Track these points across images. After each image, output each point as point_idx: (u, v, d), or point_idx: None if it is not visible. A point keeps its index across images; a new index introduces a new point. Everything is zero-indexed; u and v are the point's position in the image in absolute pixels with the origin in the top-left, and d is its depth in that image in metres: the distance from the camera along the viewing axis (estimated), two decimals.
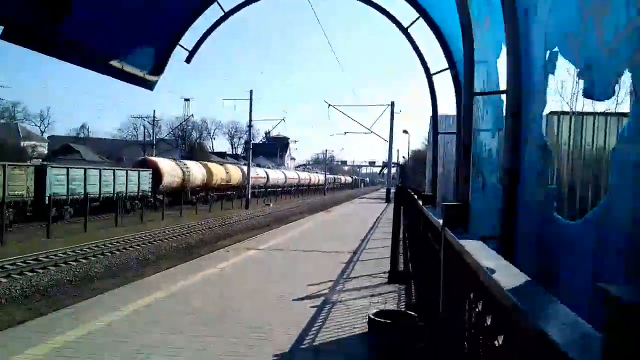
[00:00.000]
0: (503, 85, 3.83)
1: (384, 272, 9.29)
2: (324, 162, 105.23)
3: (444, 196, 8.90)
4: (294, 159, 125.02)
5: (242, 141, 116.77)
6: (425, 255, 4.51)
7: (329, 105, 42.55)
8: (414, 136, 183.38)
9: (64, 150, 64.22)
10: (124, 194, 29.85)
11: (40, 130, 79.94)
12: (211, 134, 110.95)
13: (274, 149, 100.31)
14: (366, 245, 14.04)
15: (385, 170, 58.37)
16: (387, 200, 41.61)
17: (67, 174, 25.66)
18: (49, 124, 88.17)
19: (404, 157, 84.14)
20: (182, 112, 62.85)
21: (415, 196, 7.33)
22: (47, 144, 69.51)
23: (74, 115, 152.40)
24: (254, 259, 11.55)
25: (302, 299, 7.57)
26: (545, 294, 1.24)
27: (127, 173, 31.04)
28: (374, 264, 10.60)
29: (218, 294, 7.82)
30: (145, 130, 60.94)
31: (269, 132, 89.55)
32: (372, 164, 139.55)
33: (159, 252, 19.22)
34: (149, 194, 32.91)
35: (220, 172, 46.89)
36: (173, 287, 8.16)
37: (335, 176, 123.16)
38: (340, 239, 15.42)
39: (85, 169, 27.60)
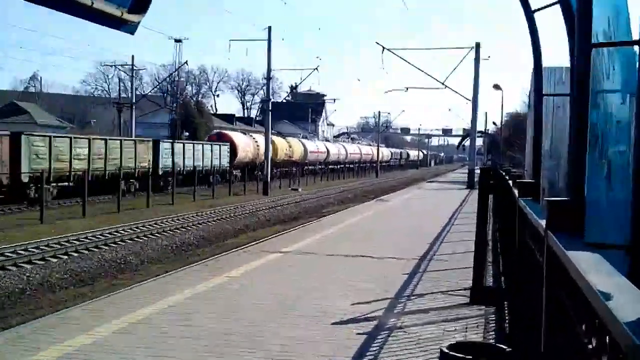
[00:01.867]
0: (636, 33, 3.79)
1: (464, 289, 9.45)
2: (376, 130, 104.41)
3: (551, 184, 8.94)
4: (332, 124, 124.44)
5: (258, 99, 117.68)
6: (524, 268, 4.57)
7: (384, 48, 41.35)
8: (509, 93, 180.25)
9: (8, 110, 66.18)
10: (211, 168, 45.42)
11: None
12: (213, 89, 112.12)
13: (303, 110, 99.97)
14: (438, 249, 14.25)
15: (467, 143, 57.60)
16: (470, 185, 41.55)
17: (172, 148, 41.36)
18: None
19: (494, 123, 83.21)
20: (172, 59, 63.04)
21: (510, 182, 7.34)
22: None
23: (22, 63, 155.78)
24: (276, 266, 11.83)
25: (345, 322, 7.83)
26: None
27: (212, 148, 46.94)
28: (449, 277, 10.78)
29: (230, 312, 8.17)
30: (122, 84, 62.07)
31: (295, 86, 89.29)
32: (447, 132, 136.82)
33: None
34: (228, 168, 47.83)
35: (284, 147, 61.84)
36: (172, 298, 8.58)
37: (401, 150, 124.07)
38: (399, 240, 15.70)
39: (184, 144, 44.11)
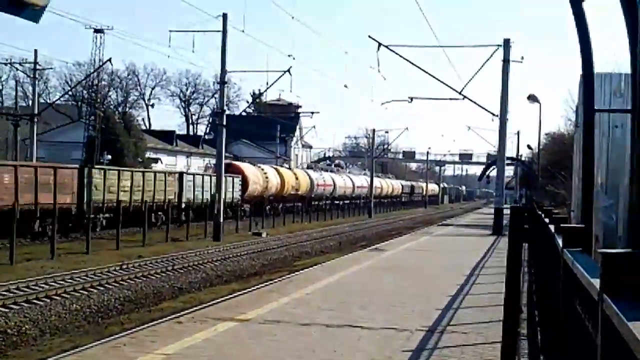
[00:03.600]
0: None
1: None
2: (369, 153, 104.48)
3: (607, 230, 9.03)
4: (309, 146, 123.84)
5: (208, 111, 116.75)
6: (572, 345, 4.56)
7: (379, 45, 41.47)
8: (549, 107, 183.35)
9: None
10: (224, 201, 54.46)
11: None
12: (146, 97, 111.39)
13: (269, 127, 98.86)
14: (454, 317, 14.47)
15: (493, 173, 57.60)
16: (497, 230, 42.12)
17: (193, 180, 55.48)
18: None
19: (529, 147, 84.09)
20: (89, 56, 62.24)
21: (552, 227, 7.36)
22: None
23: None
24: (229, 341, 11.82)
25: None
26: None
27: (226, 180, 54.86)
28: (467, 355, 10.85)
29: None
30: (20, 88, 61.40)
31: (260, 93, 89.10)
32: (465, 159, 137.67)
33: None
34: (239, 202, 59.42)
35: (291, 179, 74.71)
36: None
37: (412, 183, 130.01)
38: (402, 303, 16.05)
39: (203, 176, 57.77)
